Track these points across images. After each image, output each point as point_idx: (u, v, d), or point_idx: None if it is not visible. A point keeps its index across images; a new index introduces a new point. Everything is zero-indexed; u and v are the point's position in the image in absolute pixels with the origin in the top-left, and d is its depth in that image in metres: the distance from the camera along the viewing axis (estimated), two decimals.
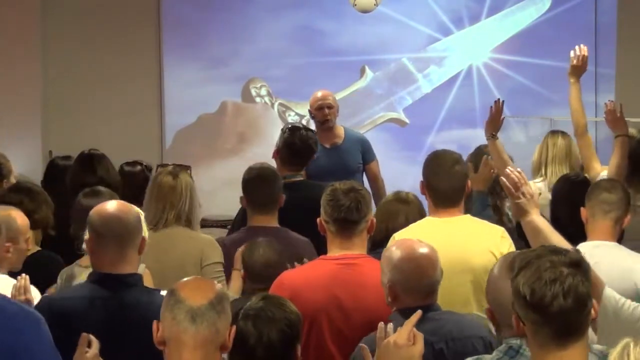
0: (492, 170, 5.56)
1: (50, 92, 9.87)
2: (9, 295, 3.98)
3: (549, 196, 5.90)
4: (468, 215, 4.78)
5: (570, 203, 5.17)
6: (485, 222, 4.85)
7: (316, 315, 4.11)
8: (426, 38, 10.27)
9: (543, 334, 2.78)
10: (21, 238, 4.74)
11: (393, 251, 3.82)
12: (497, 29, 10.27)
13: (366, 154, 7.41)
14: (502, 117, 6.33)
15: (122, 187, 5.92)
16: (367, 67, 10.28)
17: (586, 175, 5.99)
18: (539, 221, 3.57)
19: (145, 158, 6.67)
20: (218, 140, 10.32)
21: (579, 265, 2.81)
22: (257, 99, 10.32)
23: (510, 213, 5.85)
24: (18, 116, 9.57)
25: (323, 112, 7.26)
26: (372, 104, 10.33)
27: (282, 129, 6.45)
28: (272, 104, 10.32)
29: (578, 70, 6.28)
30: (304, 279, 4.24)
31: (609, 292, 3.46)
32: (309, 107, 7.43)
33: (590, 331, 3.54)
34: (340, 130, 7.39)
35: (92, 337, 3.22)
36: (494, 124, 6.29)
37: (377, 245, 4.76)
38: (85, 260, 4.66)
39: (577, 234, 4.56)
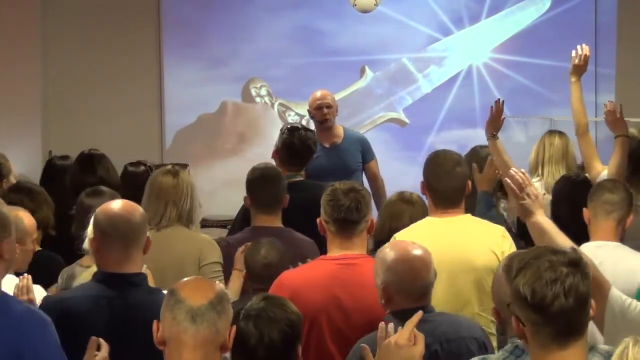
0: (496, 171, 5.55)
1: (50, 92, 9.87)
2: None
3: (548, 196, 5.90)
4: (468, 215, 4.78)
5: (570, 203, 5.18)
6: (485, 222, 4.85)
7: (316, 315, 4.11)
8: (426, 38, 10.27)
9: (544, 334, 2.78)
10: (28, 239, 4.74)
11: (387, 253, 3.81)
12: (497, 29, 10.27)
13: (366, 153, 7.42)
14: (503, 117, 6.33)
15: (123, 187, 5.92)
16: (367, 67, 10.28)
17: (587, 174, 5.99)
18: (544, 222, 3.56)
19: (145, 158, 6.67)
20: (218, 140, 10.32)
21: (578, 265, 2.81)
22: (257, 99, 10.32)
23: (506, 214, 5.85)
24: (18, 116, 9.57)
25: (322, 112, 7.27)
26: (372, 104, 10.33)
27: (281, 130, 6.45)
28: (272, 104, 10.32)
29: (579, 69, 6.29)
30: (303, 279, 4.24)
31: (615, 293, 3.46)
32: (308, 107, 7.44)
33: (594, 331, 3.56)
34: (339, 130, 7.40)
35: (101, 340, 3.22)
36: (495, 124, 6.29)
37: (380, 245, 4.75)
38: (86, 260, 4.67)
39: (578, 233, 4.56)
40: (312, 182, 6.13)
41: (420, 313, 3.38)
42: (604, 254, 4.41)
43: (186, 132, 10.27)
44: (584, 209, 4.71)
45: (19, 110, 9.59)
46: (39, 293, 4.24)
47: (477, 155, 5.88)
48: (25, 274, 4.24)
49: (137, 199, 4.77)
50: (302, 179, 6.17)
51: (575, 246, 3.46)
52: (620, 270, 4.31)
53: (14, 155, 6.95)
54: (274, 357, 3.33)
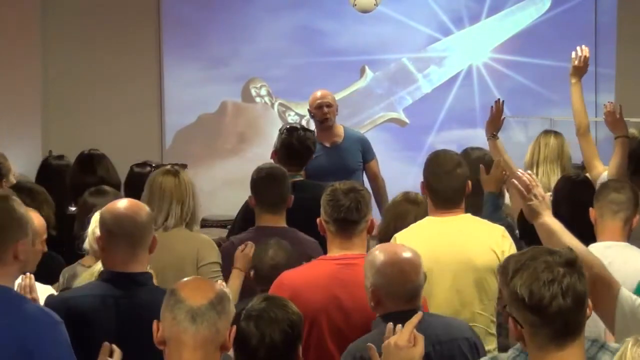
0: (503, 172, 5.54)
1: (50, 92, 9.87)
2: None
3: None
4: (468, 215, 4.79)
5: (571, 202, 5.17)
6: (485, 221, 4.86)
7: (316, 315, 4.11)
8: (426, 38, 10.27)
9: (542, 335, 2.78)
10: (37, 239, 4.73)
11: (376, 255, 3.80)
12: (497, 29, 10.27)
13: (366, 153, 7.43)
14: (503, 117, 6.34)
15: (129, 187, 5.92)
16: (367, 67, 10.28)
17: (587, 174, 5.99)
18: (552, 223, 3.56)
19: (145, 158, 6.66)
20: (218, 140, 10.32)
21: (574, 265, 2.81)
22: (257, 99, 10.32)
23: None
24: (18, 116, 9.57)
25: (322, 111, 7.29)
26: (372, 104, 10.33)
27: (279, 130, 6.45)
28: (272, 104, 10.32)
29: (579, 70, 6.29)
30: (303, 279, 4.24)
31: (625, 293, 3.45)
32: (308, 107, 7.45)
33: (598, 330, 3.56)
34: (340, 130, 7.41)
35: (114, 346, 3.22)
36: (495, 124, 6.31)
37: None
38: (88, 260, 4.67)
39: (579, 233, 4.55)
40: (313, 182, 6.13)
41: (420, 314, 3.39)
42: (613, 255, 4.40)
43: (186, 132, 10.27)
44: (590, 209, 4.70)
45: (19, 110, 9.59)
46: (42, 291, 4.23)
47: (468, 157, 5.83)
48: (28, 273, 4.24)
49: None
50: (302, 179, 6.17)
51: (584, 247, 3.46)
52: (630, 271, 4.29)
53: (14, 155, 6.95)
54: (275, 357, 3.33)
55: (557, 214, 5.27)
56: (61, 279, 4.81)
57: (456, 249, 4.61)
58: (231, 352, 3.21)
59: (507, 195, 5.95)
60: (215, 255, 5.02)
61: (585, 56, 6.28)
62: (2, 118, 9.45)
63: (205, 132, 10.28)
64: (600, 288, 3.34)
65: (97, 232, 4.48)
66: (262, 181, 5.35)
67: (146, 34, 10.12)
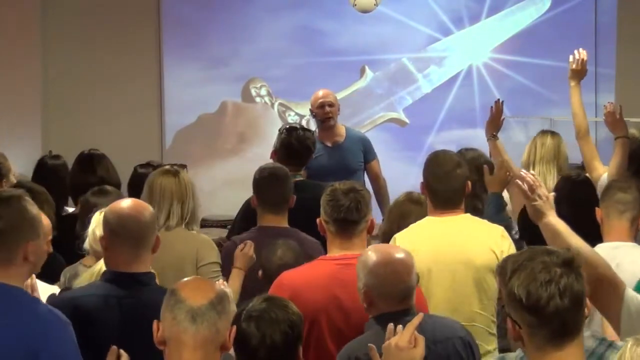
0: (507, 173, 5.54)
1: (50, 92, 9.88)
2: None
3: None
4: (468, 215, 4.79)
5: (571, 202, 5.17)
6: (485, 221, 4.86)
7: (316, 316, 4.11)
8: (426, 38, 10.27)
9: (540, 336, 2.78)
10: (44, 240, 4.74)
11: (368, 256, 3.80)
12: (497, 29, 10.27)
13: (367, 153, 7.44)
14: (502, 117, 6.35)
15: (133, 188, 5.91)
16: (367, 67, 10.28)
17: (587, 174, 5.99)
18: (557, 223, 3.55)
19: (145, 158, 6.66)
20: (218, 140, 10.32)
21: (572, 265, 2.81)
22: (257, 99, 10.32)
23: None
24: (18, 116, 9.58)
25: (324, 110, 7.30)
26: (372, 104, 10.33)
27: (279, 130, 6.46)
28: (272, 104, 10.32)
29: (578, 74, 6.29)
30: (303, 279, 4.24)
31: (631, 293, 3.45)
32: (310, 107, 7.46)
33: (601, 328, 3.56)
34: (341, 129, 7.43)
35: (122, 351, 3.23)
36: (494, 124, 6.32)
37: None
38: (89, 260, 4.67)
39: (581, 233, 4.55)
40: (313, 182, 6.14)
41: (421, 315, 3.39)
42: (621, 255, 4.39)
43: (186, 132, 10.27)
44: (597, 209, 4.69)
45: (19, 110, 9.59)
46: (48, 291, 4.24)
47: (462, 158, 5.84)
48: None
49: None
50: (301, 178, 6.17)
51: (588, 247, 3.46)
52: (638, 271, 4.26)
53: (14, 155, 6.95)
54: (275, 357, 3.33)
55: (558, 214, 5.27)
56: (62, 278, 4.81)
57: (456, 249, 4.61)
58: (232, 352, 3.21)
59: (506, 196, 5.95)
60: (215, 255, 5.02)
61: (583, 59, 6.27)
62: (2, 118, 9.45)
63: (205, 132, 10.29)
64: (606, 288, 3.35)
65: (97, 232, 4.50)
66: (264, 181, 5.35)
67: (146, 34, 10.12)
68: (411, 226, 4.75)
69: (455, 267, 4.59)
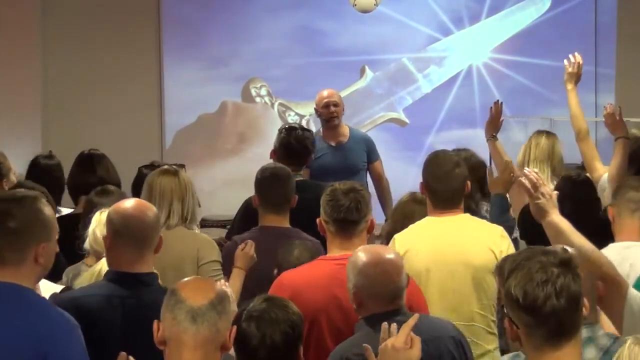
0: (511, 174, 5.53)
1: (50, 92, 9.88)
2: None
3: None
4: (467, 215, 4.80)
5: (572, 202, 5.17)
6: (484, 221, 4.87)
7: (316, 315, 4.11)
8: (426, 38, 10.28)
9: (537, 335, 2.78)
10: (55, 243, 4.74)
11: (358, 257, 3.80)
12: (497, 29, 10.27)
13: (371, 153, 7.46)
14: (502, 118, 6.36)
15: (137, 188, 5.90)
16: (367, 67, 10.28)
17: (587, 174, 5.99)
18: (560, 221, 3.55)
19: (145, 158, 6.67)
20: (218, 140, 10.33)
21: (569, 265, 2.81)
22: (257, 99, 10.32)
23: (488, 217, 5.84)
24: (18, 116, 9.58)
25: (329, 110, 7.32)
26: (372, 104, 10.33)
27: (279, 129, 6.46)
28: (272, 104, 10.32)
29: (575, 77, 6.31)
30: (303, 279, 4.24)
31: (634, 292, 3.46)
32: (315, 106, 7.47)
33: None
34: (345, 129, 7.45)
35: (131, 358, 3.23)
36: (494, 125, 6.33)
37: None
38: (91, 260, 4.67)
39: (582, 233, 4.54)
40: (314, 182, 6.14)
41: (417, 316, 3.39)
42: (634, 255, 4.37)
43: (186, 132, 10.28)
44: (609, 207, 4.68)
45: (19, 110, 9.59)
46: (52, 290, 4.24)
47: (461, 158, 5.83)
48: None
49: None
50: (301, 178, 6.17)
51: (592, 245, 3.46)
52: None
53: (14, 155, 6.93)
54: (275, 358, 3.33)
55: (560, 213, 5.26)
56: (65, 277, 4.82)
57: (455, 249, 4.62)
58: (232, 352, 3.21)
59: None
60: (216, 254, 5.02)
61: (579, 62, 6.30)
62: (2, 118, 9.45)
63: (205, 132, 10.29)
64: (609, 287, 3.35)
65: (98, 232, 4.50)
66: (266, 181, 5.34)
67: (146, 34, 10.13)
68: (411, 226, 4.75)
69: (454, 267, 4.60)
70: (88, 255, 4.73)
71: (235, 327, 3.04)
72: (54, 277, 4.78)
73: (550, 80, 9.83)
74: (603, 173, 6.04)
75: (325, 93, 7.40)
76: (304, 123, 9.64)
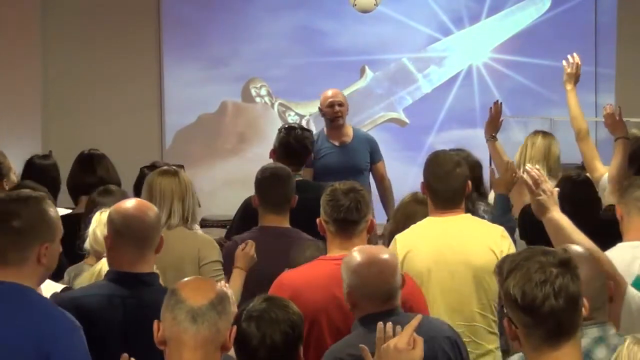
0: (513, 174, 5.53)
1: (50, 92, 9.88)
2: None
3: None
4: (468, 215, 4.80)
5: (572, 202, 5.16)
6: (485, 222, 4.87)
7: (316, 315, 4.11)
8: (426, 38, 10.28)
9: (535, 336, 2.78)
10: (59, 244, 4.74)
11: (352, 257, 3.80)
12: (497, 29, 10.28)
13: (374, 153, 7.48)
14: (501, 118, 6.36)
15: (134, 189, 5.91)
16: (367, 67, 10.29)
17: (587, 175, 5.99)
18: (561, 218, 3.55)
19: (145, 158, 6.67)
20: (218, 140, 10.33)
21: (568, 265, 2.81)
22: (257, 99, 10.33)
23: (486, 217, 5.83)
24: (18, 116, 9.58)
25: (334, 110, 7.34)
26: (372, 104, 10.33)
27: (278, 129, 6.47)
28: (272, 104, 10.32)
29: (573, 77, 6.31)
30: (303, 279, 4.24)
31: (633, 291, 3.46)
32: (319, 106, 7.48)
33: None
34: (349, 129, 7.47)
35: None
36: (493, 125, 6.33)
37: None
38: (91, 259, 4.68)
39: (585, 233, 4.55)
40: (314, 182, 6.15)
41: (419, 317, 3.38)
42: None
43: (186, 132, 10.28)
44: (616, 206, 4.67)
45: (19, 110, 9.60)
46: (54, 289, 4.24)
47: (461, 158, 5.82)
48: None
49: None
50: (301, 178, 6.16)
51: (591, 243, 3.46)
52: None
53: (14, 155, 6.94)
54: (275, 358, 3.34)
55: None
56: (66, 277, 4.82)
57: (456, 249, 4.61)
58: (232, 352, 3.21)
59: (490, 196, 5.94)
60: (217, 254, 5.02)
61: (577, 63, 6.31)
62: (2, 118, 9.46)
63: (205, 132, 10.29)
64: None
65: (98, 232, 4.50)
66: (266, 181, 5.34)
67: (146, 34, 10.13)
68: (412, 226, 4.75)
69: (455, 267, 4.59)
70: (88, 255, 4.73)
71: (235, 327, 3.04)
72: (55, 277, 4.78)
73: (550, 80, 9.83)
74: (603, 173, 6.04)
75: (329, 92, 7.41)
76: (304, 123, 9.65)
